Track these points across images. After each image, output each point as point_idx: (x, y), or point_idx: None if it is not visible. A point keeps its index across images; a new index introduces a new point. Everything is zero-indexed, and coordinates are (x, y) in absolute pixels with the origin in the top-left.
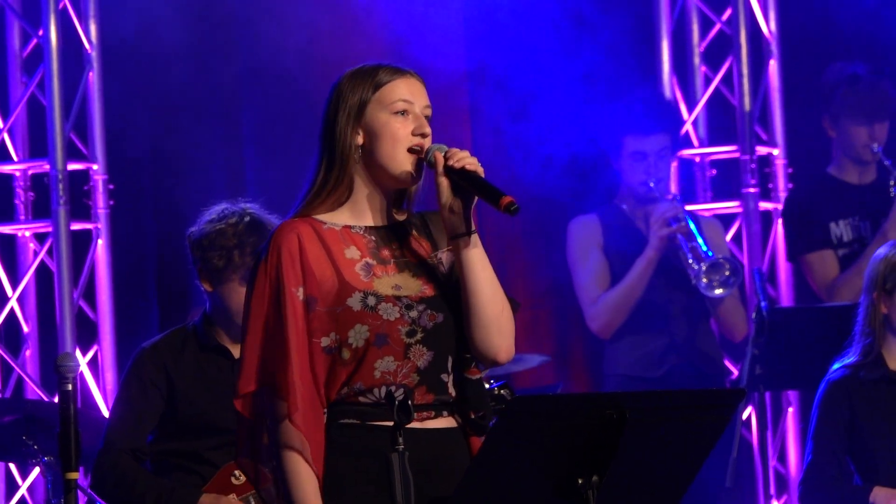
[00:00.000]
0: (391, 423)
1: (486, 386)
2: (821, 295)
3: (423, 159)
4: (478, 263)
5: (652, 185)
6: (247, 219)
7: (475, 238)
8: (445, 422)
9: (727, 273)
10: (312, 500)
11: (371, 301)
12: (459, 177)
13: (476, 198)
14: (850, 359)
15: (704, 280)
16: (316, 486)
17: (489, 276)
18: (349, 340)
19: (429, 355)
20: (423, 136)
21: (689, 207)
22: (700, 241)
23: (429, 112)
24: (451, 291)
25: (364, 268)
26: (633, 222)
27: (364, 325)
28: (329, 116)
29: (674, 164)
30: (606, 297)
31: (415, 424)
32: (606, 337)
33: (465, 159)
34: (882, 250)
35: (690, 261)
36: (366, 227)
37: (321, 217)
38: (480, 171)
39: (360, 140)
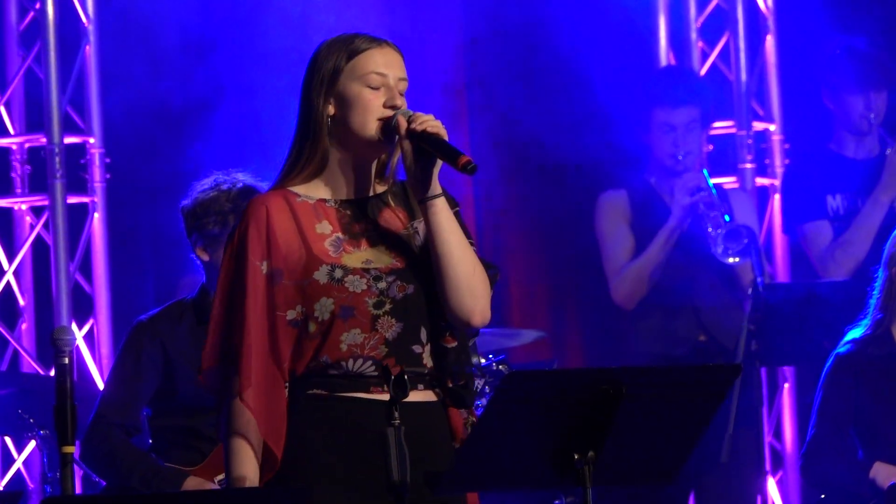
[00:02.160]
0: (361, 395)
1: (483, 361)
2: (815, 266)
3: (389, 126)
4: (444, 225)
5: (680, 157)
6: (239, 185)
7: (441, 201)
8: (422, 395)
9: (745, 241)
10: (250, 480)
11: (338, 274)
12: (421, 139)
13: (440, 161)
14: (860, 331)
15: (720, 248)
16: (255, 467)
17: (458, 238)
18: (315, 314)
19: (398, 326)
20: (394, 108)
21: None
22: (721, 211)
23: (404, 85)
24: (425, 263)
25: (334, 243)
26: (660, 197)
27: (329, 298)
28: (305, 86)
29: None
30: (630, 266)
31: (384, 396)
32: (630, 307)
33: (428, 122)
34: None
35: (710, 229)
36: (340, 200)
37: (296, 189)
38: (443, 133)
39: (331, 110)
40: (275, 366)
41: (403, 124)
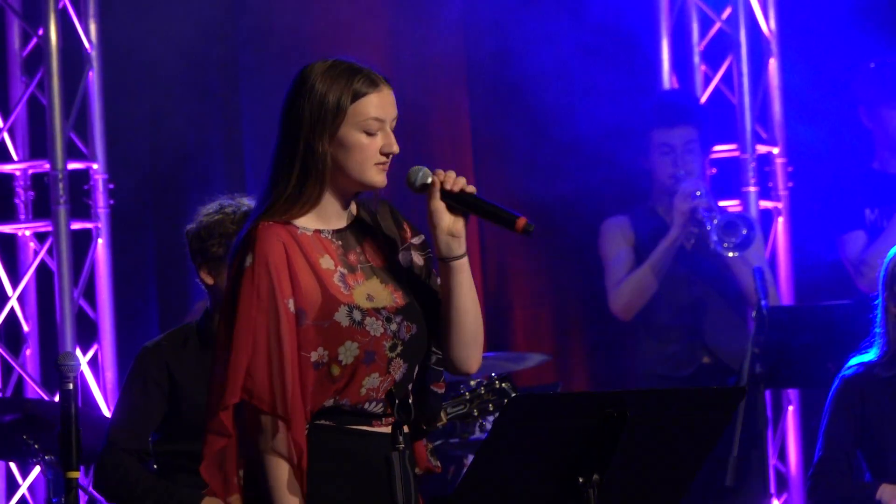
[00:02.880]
0: (365, 428)
1: (490, 376)
2: (849, 271)
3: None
4: (466, 284)
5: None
6: (244, 208)
7: (466, 261)
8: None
9: (744, 232)
10: None
11: (357, 316)
12: (457, 201)
13: (469, 217)
14: (868, 356)
15: (717, 240)
16: (302, 499)
17: (474, 296)
18: (339, 357)
19: (404, 367)
20: (391, 154)
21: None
22: (720, 214)
23: (394, 122)
24: (418, 297)
25: (340, 279)
26: (663, 220)
27: (354, 342)
28: (300, 113)
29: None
30: (629, 277)
31: (384, 429)
32: (627, 318)
33: (460, 181)
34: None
35: (708, 227)
36: (332, 230)
37: (295, 221)
38: (475, 190)
39: (326, 146)
40: (304, 404)
41: (438, 185)
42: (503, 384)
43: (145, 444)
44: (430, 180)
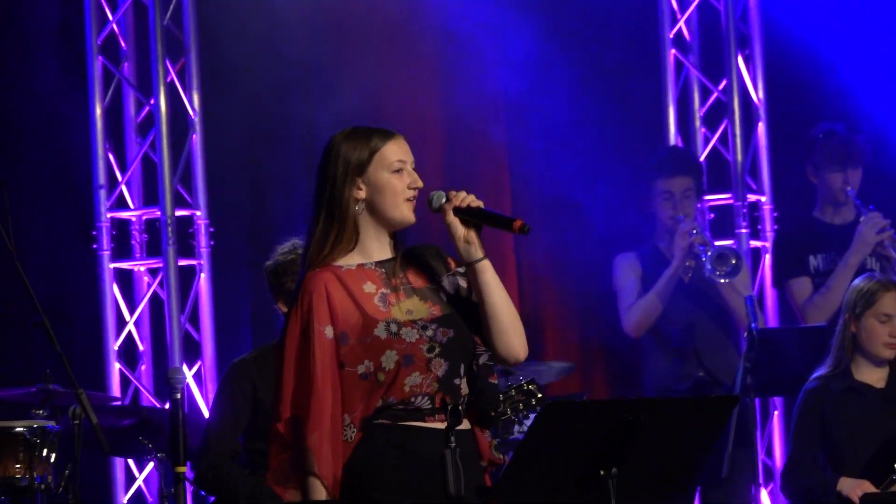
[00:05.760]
0: (418, 424)
1: (518, 379)
2: (797, 314)
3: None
4: (492, 282)
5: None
6: None
7: (487, 262)
8: (462, 424)
9: (733, 262)
10: None
11: (393, 328)
12: (467, 214)
13: (483, 227)
14: (823, 370)
15: (710, 269)
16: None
17: (503, 290)
18: (383, 365)
19: (445, 365)
20: (416, 188)
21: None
22: (713, 248)
23: (414, 166)
24: (457, 310)
25: (381, 298)
26: (665, 257)
27: (392, 350)
28: (328, 175)
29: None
30: (637, 302)
31: (436, 425)
32: (637, 336)
33: (468, 198)
34: (857, 281)
35: (703, 259)
36: (375, 262)
37: (337, 262)
38: (482, 204)
39: (362, 195)
40: (336, 416)
41: (449, 204)
42: (530, 386)
43: (235, 445)
44: (444, 201)
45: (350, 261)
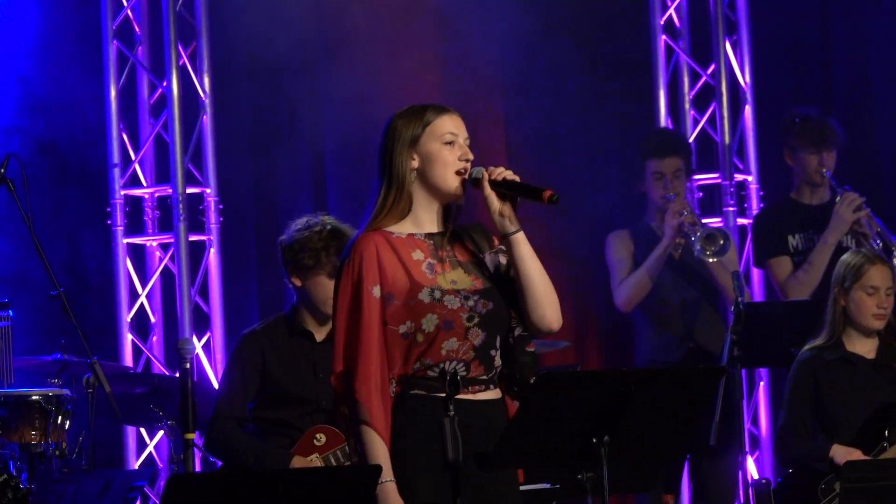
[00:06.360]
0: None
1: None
2: (778, 292)
3: (466, 180)
4: (526, 253)
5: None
6: (328, 227)
7: (522, 235)
8: (492, 394)
9: (721, 242)
10: (383, 461)
11: (437, 294)
12: (502, 186)
13: (519, 200)
14: (817, 342)
15: (698, 247)
16: (385, 449)
17: (538, 263)
18: (422, 326)
19: (483, 335)
20: (467, 160)
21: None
22: (702, 227)
23: (468, 141)
24: (496, 285)
25: (428, 267)
26: (656, 234)
27: (434, 314)
28: (387, 149)
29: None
30: (629, 277)
31: (469, 396)
32: (628, 310)
33: (504, 172)
34: (845, 256)
35: (693, 238)
36: (425, 233)
37: (389, 229)
38: (517, 178)
39: (415, 164)
40: (384, 371)
41: (486, 177)
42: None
43: (243, 413)
44: (481, 175)
45: (402, 228)
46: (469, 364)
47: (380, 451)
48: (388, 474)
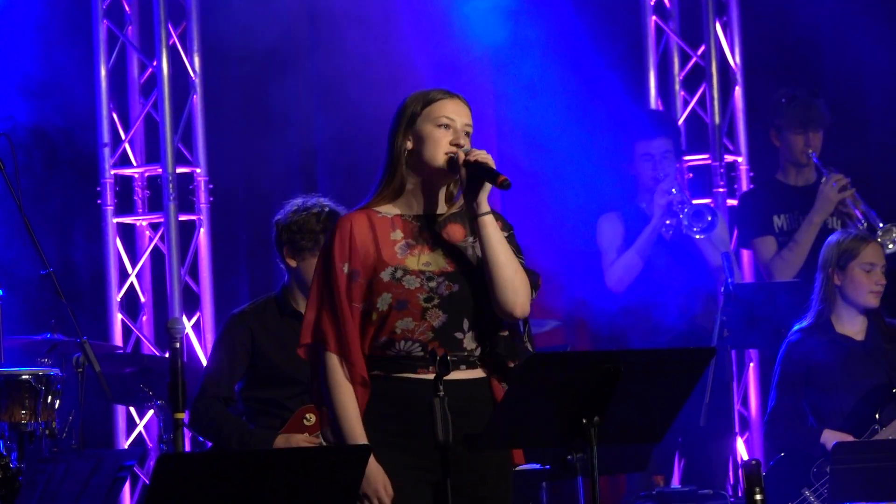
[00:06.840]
0: (410, 375)
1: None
2: (763, 271)
3: (453, 160)
4: (492, 236)
5: (661, 178)
6: (326, 209)
7: (489, 218)
8: (465, 373)
9: (709, 218)
10: (356, 428)
11: (398, 274)
12: (472, 168)
13: (488, 187)
14: (805, 322)
15: (686, 223)
16: (357, 414)
17: (503, 247)
18: (377, 305)
19: (443, 317)
20: (458, 146)
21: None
22: (691, 206)
23: (469, 129)
24: (474, 269)
25: (404, 247)
26: (646, 215)
27: (389, 293)
28: (391, 128)
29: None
30: (620, 259)
31: (428, 376)
32: (619, 291)
33: (478, 154)
34: (834, 237)
35: (681, 216)
36: (413, 215)
37: (378, 208)
38: (491, 162)
39: (409, 145)
40: (356, 341)
41: (461, 157)
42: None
43: (231, 392)
44: (457, 155)
45: (390, 210)
46: (426, 345)
47: (353, 419)
48: (361, 437)
